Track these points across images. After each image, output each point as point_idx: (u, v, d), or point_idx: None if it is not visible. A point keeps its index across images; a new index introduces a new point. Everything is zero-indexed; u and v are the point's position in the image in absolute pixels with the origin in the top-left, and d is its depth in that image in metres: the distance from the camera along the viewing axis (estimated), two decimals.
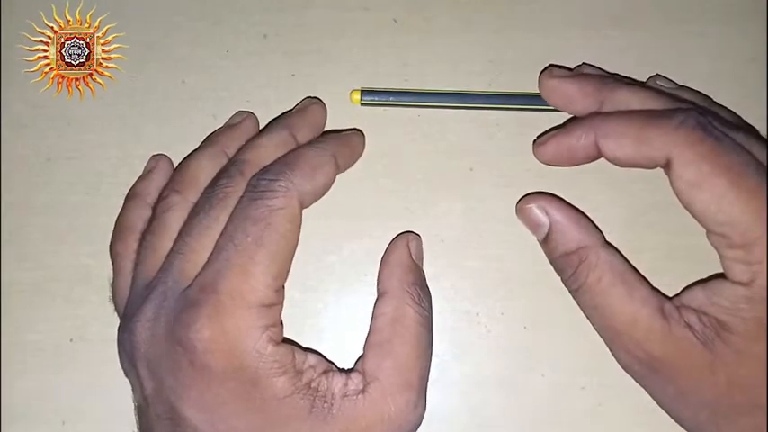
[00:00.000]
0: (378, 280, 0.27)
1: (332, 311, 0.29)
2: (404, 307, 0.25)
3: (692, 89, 0.29)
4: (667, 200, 0.29)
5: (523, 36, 0.30)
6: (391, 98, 0.29)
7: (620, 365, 0.25)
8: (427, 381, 0.25)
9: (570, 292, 0.25)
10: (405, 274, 0.26)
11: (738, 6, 0.30)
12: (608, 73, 0.29)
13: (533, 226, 0.26)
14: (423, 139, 0.30)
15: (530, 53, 0.30)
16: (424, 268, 0.28)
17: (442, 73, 0.30)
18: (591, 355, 0.28)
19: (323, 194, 0.26)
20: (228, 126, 0.29)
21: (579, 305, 0.25)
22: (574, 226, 0.25)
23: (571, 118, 0.28)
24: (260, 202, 0.24)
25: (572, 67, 0.30)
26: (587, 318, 0.25)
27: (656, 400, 0.25)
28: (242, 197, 0.25)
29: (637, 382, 0.25)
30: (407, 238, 0.28)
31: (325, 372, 0.24)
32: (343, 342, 0.28)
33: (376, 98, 0.29)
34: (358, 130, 0.30)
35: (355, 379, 0.24)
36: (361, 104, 0.30)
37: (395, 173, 0.30)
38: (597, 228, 0.26)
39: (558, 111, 0.28)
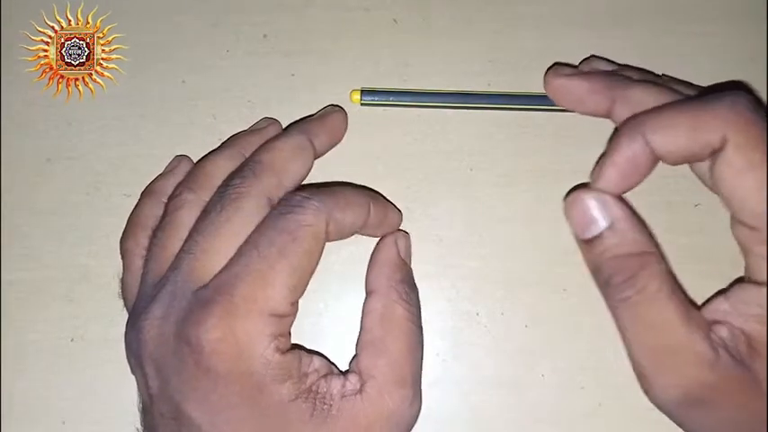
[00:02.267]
0: (366, 279, 0.27)
1: (332, 311, 0.29)
2: (392, 305, 0.25)
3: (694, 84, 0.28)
4: (668, 199, 0.29)
5: (523, 36, 0.30)
6: (391, 98, 0.29)
7: (657, 389, 0.23)
8: (421, 376, 0.26)
9: (614, 301, 0.23)
10: (392, 272, 0.26)
11: (738, 6, 0.30)
12: (618, 64, 0.29)
13: (586, 221, 0.23)
14: (423, 139, 0.30)
15: (530, 53, 0.30)
16: (425, 268, 0.28)
17: (442, 73, 0.30)
18: (591, 355, 0.28)
19: (347, 234, 0.26)
20: (251, 130, 0.29)
21: (622, 318, 0.23)
22: (637, 227, 0.23)
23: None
24: (290, 215, 0.24)
25: (589, 58, 0.29)
26: (628, 333, 0.23)
27: (688, 429, 0.23)
28: (273, 209, 0.25)
29: (668, 407, 0.23)
30: (395, 237, 0.27)
31: (326, 375, 0.24)
32: (344, 342, 0.28)
33: (376, 98, 0.30)
34: (392, 204, 0.29)
35: (352, 379, 0.24)
36: (361, 104, 0.30)
37: (395, 173, 0.30)
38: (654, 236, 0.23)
39: (557, 111, 0.28)
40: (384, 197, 0.29)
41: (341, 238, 0.26)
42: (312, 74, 0.30)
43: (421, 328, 0.26)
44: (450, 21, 0.31)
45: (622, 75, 0.27)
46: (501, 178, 0.30)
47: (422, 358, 0.26)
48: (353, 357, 0.26)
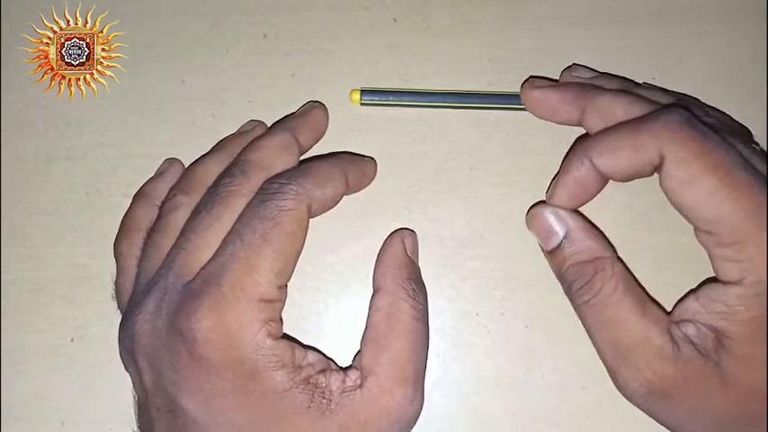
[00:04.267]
0: (373, 276, 0.27)
1: (332, 311, 0.29)
2: (398, 302, 0.25)
3: (659, 88, 0.29)
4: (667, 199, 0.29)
5: (524, 36, 0.30)
6: (391, 98, 0.29)
7: (622, 384, 0.24)
8: (424, 374, 0.26)
9: (577, 305, 0.25)
10: (399, 270, 0.26)
11: (738, 6, 0.30)
12: (600, 72, 0.29)
13: (547, 234, 0.26)
14: (423, 139, 0.30)
15: (530, 53, 0.30)
16: (425, 268, 0.28)
17: (442, 73, 0.30)
18: (591, 355, 0.28)
19: (331, 207, 0.26)
20: (239, 133, 0.30)
21: (585, 319, 0.25)
22: (590, 235, 0.25)
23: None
24: (270, 202, 0.24)
25: (571, 66, 0.30)
26: (592, 332, 0.25)
27: (661, 421, 0.24)
28: (253, 198, 0.25)
29: (636, 401, 0.24)
30: (402, 235, 0.28)
31: (324, 370, 0.25)
32: (344, 342, 0.28)
33: (376, 98, 0.30)
34: (371, 158, 0.30)
35: (352, 375, 0.24)
36: (361, 104, 0.30)
37: (395, 173, 0.30)
38: (609, 241, 0.25)
39: None
40: (357, 155, 0.29)
41: (326, 212, 0.26)
42: (312, 74, 0.30)
43: (427, 326, 0.26)
44: (450, 21, 0.31)
45: (595, 84, 0.28)
46: (501, 178, 0.30)
47: (426, 356, 0.26)
48: (357, 353, 0.26)
